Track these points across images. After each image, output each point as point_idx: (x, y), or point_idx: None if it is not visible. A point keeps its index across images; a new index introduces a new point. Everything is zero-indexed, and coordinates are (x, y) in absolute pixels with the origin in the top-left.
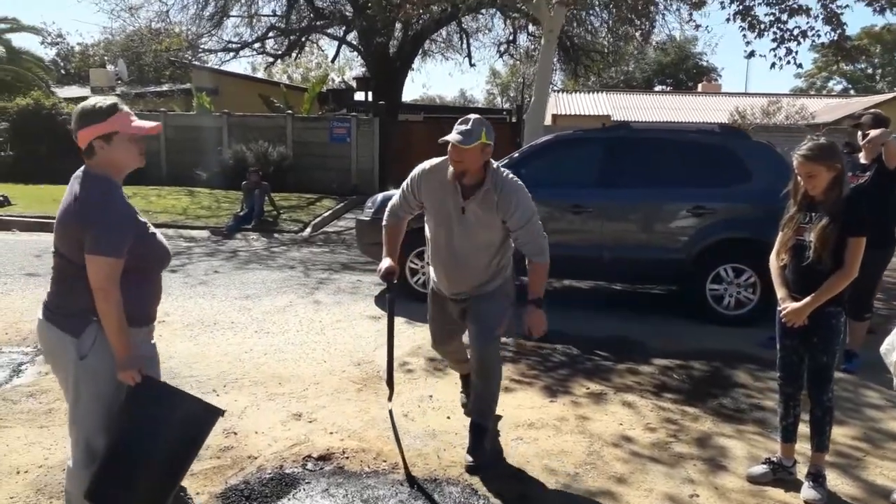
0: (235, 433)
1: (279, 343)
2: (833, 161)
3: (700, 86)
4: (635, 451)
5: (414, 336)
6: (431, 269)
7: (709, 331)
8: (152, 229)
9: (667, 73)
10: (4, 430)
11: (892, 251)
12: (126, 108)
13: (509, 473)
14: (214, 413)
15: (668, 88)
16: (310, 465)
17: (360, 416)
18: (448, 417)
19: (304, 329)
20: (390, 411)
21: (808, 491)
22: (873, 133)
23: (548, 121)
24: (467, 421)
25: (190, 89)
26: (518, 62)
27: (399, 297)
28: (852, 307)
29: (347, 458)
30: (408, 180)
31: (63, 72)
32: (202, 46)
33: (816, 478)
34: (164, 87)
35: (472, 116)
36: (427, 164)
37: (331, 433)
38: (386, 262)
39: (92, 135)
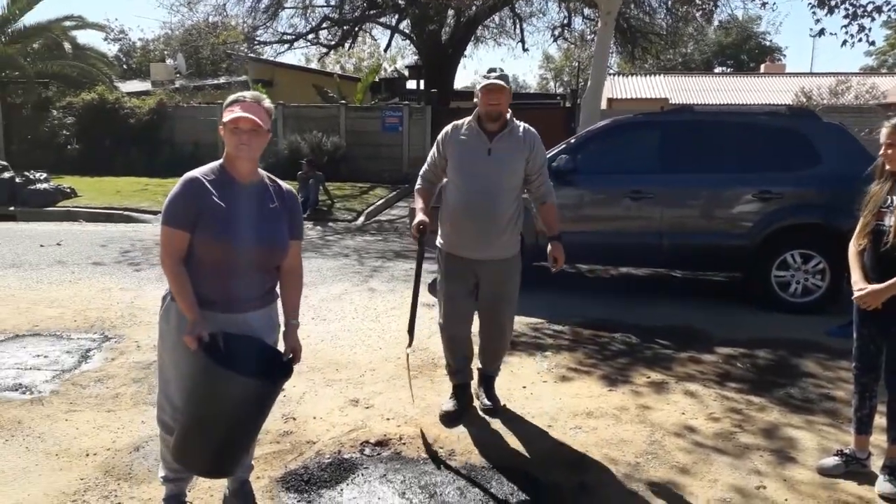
0: (294, 418)
1: (335, 330)
2: None
3: (763, 66)
4: (698, 441)
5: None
6: (449, 237)
7: (774, 319)
8: (229, 222)
9: (727, 53)
10: (74, 413)
11: None
12: (243, 103)
13: (568, 462)
14: (268, 385)
15: (729, 70)
16: (367, 451)
17: (416, 403)
18: (504, 405)
19: (360, 316)
20: (407, 356)
21: (883, 484)
22: None
23: (603, 105)
24: (525, 410)
25: (246, 81)
26: (573, 46)
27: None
28: None
29: (404, 444)
30: (434, 145)
31: (125, 67)
32: (257, 39)
33: (893, 471)
34: (222, 80)
35: (497, 67)
36: (448, 126)
37: (387, 419)
38: (419, 216)
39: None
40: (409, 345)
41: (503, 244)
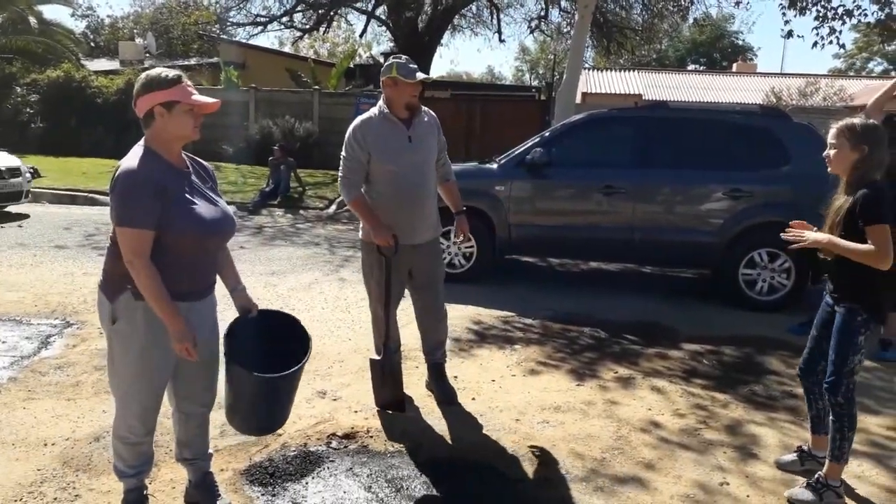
0: None
1: (304, 320)
2: (861, 142)
3: (735, 65)
4: (664, 436)
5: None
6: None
7: (741, 316)
8: (193, 206)
9: (701, 51)
10: (32, 402)
11: None
12: (188, 82)
13: (535, 457)
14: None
15: (702, 68)
16: (334, 444)
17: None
18: (473, 399)
19: (330, 307)
20: (382, 368)
21: (798, 489)
22: None
23: (578, 99)
24: (493, 404)
25: (217, 63)
26: (549, 38)
27: None
28: (891, 296)
29: (372, 437)
30: (347, 146)
31: (93, 45)
32: (230, 20)
33: (817, 484)
34: (193, 61)
35: (406, 58)
36: (357, 121)
37: (355, 412)
38: (382, 227)
39: (153, 101)
40: (383, 358)
41: (433, 224)
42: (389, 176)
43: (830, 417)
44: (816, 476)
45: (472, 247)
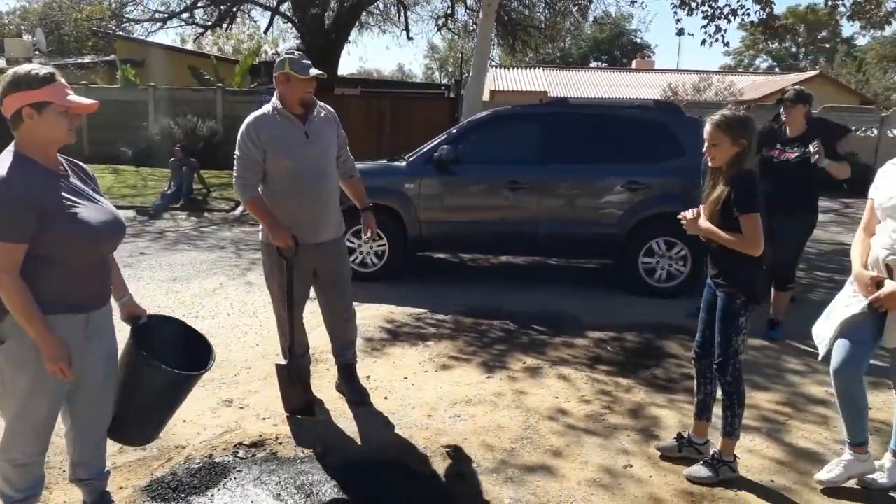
0: None
1: (209, 327)
2: (739, 135)
3: (634, 62)
4: (571, 423)
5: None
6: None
7: (642, 303)
8: (77, 210)
9: (602, 49)
10: None
11: (814, 222)
12: (63, 80)
13: (446, 452)
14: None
15: (604, 65)
16: (241, 453)
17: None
18: (385, 398)
19: (236, 312)
20: (289, 371)
21: (696, 467)
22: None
23: (486, 96)
24: (406, 401)
25: (114, 61)
26: (457, 36)
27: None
28: (776, 278)
29: (281, 443)
30: (241, 145)
31: None
32: (127, 16)
33: (713, 460)
34: (87, 59)
35: (295, 50)
36: (249, 119)
37: (263, 419)
38: (280, 228)
39: (22, 102)
40: (289, 363)
41: (337, 223)
42: (287, 173)
43: (721, 396)
44: (712, 452)
45: (383, 245)
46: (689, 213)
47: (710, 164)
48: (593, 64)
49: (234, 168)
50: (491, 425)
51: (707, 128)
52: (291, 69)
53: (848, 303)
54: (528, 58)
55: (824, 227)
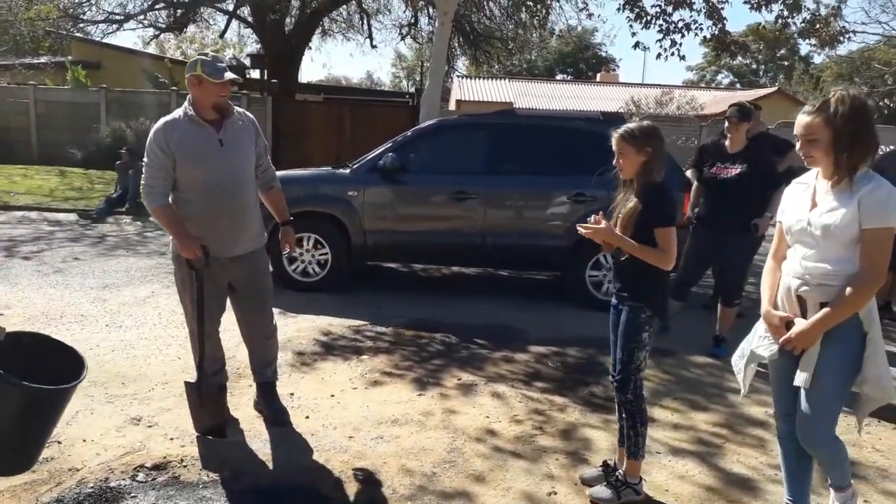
0: (59, 442)
1: (131, 338)
2: (644, 145)
3: (599, 75)
4: (498, 445)
5: (285, 329)
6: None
7: (589, 317)
8: None
9: (568, 62)
10: None
11: (760, 238)
12: None
13: (363, 477)
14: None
15: (569, 77)
16: (140, 476)
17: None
18: (307, 417)
19: (163, 322)
20: (199, 388)
21: (599, 488)
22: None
23: (452, 106)
24: (328, 421)
25: (64, 62)
26: (421, 45)
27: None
28: (722, 294)
29: (186, 466)
30: (149, 151)
31: None
32: (82, 17)
33: (616, 482)
34: (43, 59)
35: (216, 55)
36: (159, 124)
37: (171, 439)
38: (191, 239)
39: None
40: (199, 380)
41: (255, 234)
42: (199, 183)
43: (622, 415)
44: (616, 474)
45: (326, 254)
46: (590, 220)
47: (620, 176)
48: (559, 76)
49: (143, 175)
50: (414, 447)
51: (613, 140)
52: (203, 71)
53: (758, 343)
54: (494, 69)
55: None
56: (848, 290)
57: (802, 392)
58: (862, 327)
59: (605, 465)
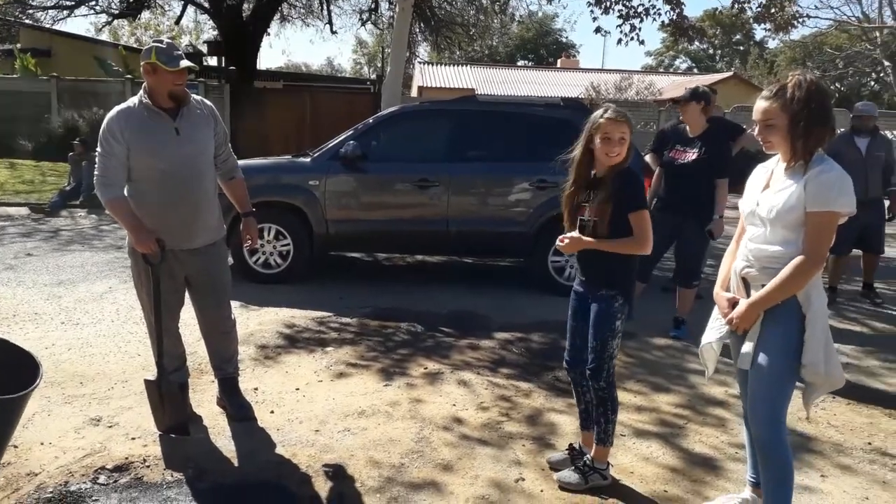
0: (16, 446)
1: (88, 336)
2: (630, 129)
3: (559, 61)
4: (465, 433)
5: (247, 322)
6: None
7: (551, 302)
8: None
9: (528, 48)
10: None
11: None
12: None
13: (330, 471)
14: None
15: (530, 63)
16: (102, 479)
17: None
18: (272, 412)
19: (121, 319)
20: (158, 386)
21: (565, 472)
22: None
23: (414, 92)
24: (294, 415)
25: (13, 50)
26: (382, 31)
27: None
28: (680, 276)
29: (149, 466)
30: (102, 141)
31: None
32: (31, 2)
33: (584, 466)
34: None
35: (171, 42)
36: (113, 112)
37: (133, 438)
38: (144, 232)
39: None
40: (158, 377)
41: (213, 227)
42: (154, 173)
43: (593, 402)
44: (584, 459)
45: (288, 245)
46: (563, 241)
47: (612, 161)
48: (520, 62)
49: (96, 166)
50: (382, 439)
51: (616, 122)
52: (158, 59)
53: (711, 326)
54: (455, 55)
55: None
56: (785, 269)
57: (749, 373)
58: (801, 309)
59: (570, 448)
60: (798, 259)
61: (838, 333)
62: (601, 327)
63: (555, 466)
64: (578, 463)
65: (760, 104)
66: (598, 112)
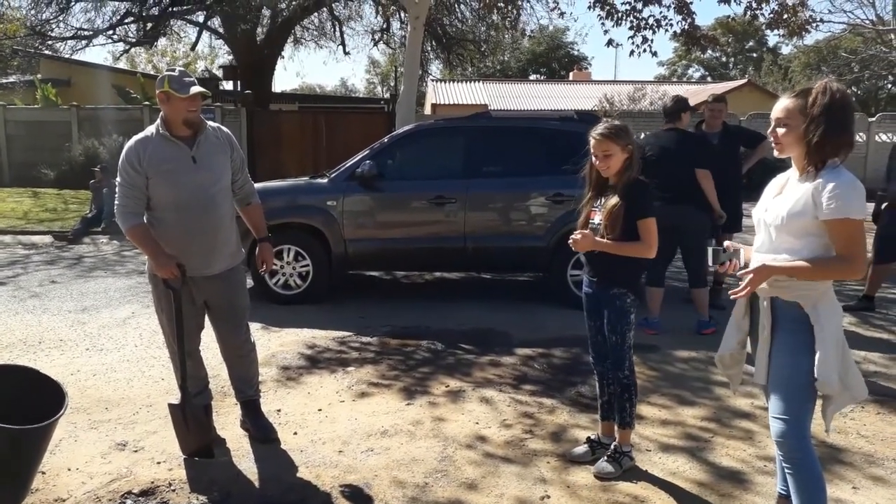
0: (43, 473)
1: (112, 361)
2: (627, 142)
3: (572, 74)
4: (489, 451)
5: (269, 344)
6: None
7: (571, 316)
8: None
9: (540, 62)
10: None
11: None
12: None
13: (353, 492)
14: None
15: (542, 77)
16: (129, 503)
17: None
18: (295, 433)
19: (144, 343)
20: (183, 408)
21: (600, 464)
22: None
23: (427, 110)
24: (317, 436)
25: (33, 81)
26: (394, 51)
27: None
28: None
29: (174, 490)
30: (122, 171)
31: None
32: (50, 34)
33: (614, 454)
34: (12, 79)
35: (184, 69)
36: (131, 142)
37: (158, 463)
38: (165, 258)
39: None
40: (182, 401)
41: (231, 253)
42: (172, 202)
43: (616, 390)
44: (613, 446)
45: (307, 266)
46: (577, 236)
47: (604, 174)
48: (532, 76)
49: (116, 195)
50: (405, 458)
51: (596, 141)
52: (170, 87)
53: (729, 333)
54: (467, 72)
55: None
56: (822, 258)
57: (768, 389)
58: (808, 320)
59: (589, 440)
60: (838, 259)
61: (865, 341)
62: (618, 323)
63: (577, 460)
64: (608, 451)
65: (781, 102)
66: (593, 129)
